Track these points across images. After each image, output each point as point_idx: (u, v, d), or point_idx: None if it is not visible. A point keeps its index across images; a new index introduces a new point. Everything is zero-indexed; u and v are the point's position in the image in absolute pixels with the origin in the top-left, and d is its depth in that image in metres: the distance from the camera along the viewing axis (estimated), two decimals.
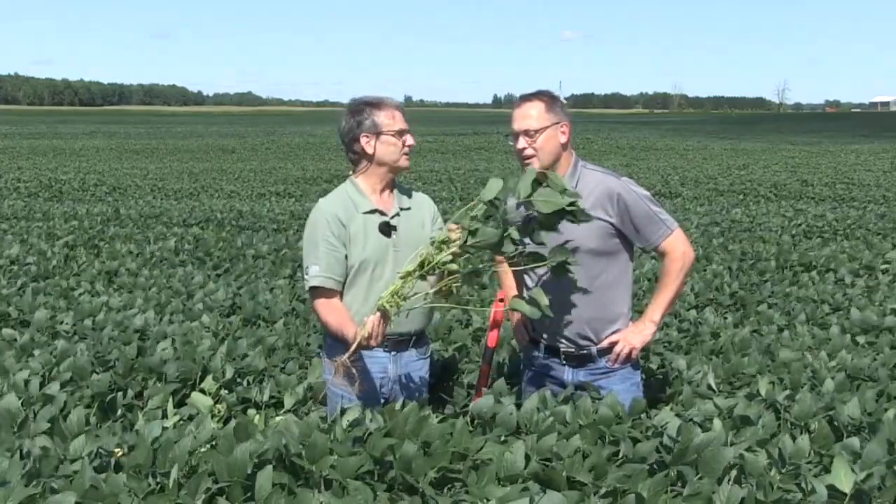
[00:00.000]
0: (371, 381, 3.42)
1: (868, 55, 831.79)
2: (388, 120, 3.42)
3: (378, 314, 3.07)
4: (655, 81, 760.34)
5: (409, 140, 3.46)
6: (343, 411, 2.92)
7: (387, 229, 3.43)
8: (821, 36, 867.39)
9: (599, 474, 2.46)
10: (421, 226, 3.52)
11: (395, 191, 3.54)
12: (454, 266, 3.05)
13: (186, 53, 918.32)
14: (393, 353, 3.45)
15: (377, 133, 3.41)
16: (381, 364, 3.44)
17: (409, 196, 3.59)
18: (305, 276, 3.41)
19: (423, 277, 3.09)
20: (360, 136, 3.41)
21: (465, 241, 3.03)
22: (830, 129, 55.06)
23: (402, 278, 3.07)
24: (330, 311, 3.36)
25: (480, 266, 3.31)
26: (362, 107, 3.43)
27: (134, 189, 17.72)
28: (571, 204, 3.01)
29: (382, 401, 3.35)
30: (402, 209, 3.50)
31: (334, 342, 3.41)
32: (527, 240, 3.18)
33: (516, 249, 3.08)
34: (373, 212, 3.43)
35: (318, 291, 3.37)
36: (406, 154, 3.47)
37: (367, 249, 3.38)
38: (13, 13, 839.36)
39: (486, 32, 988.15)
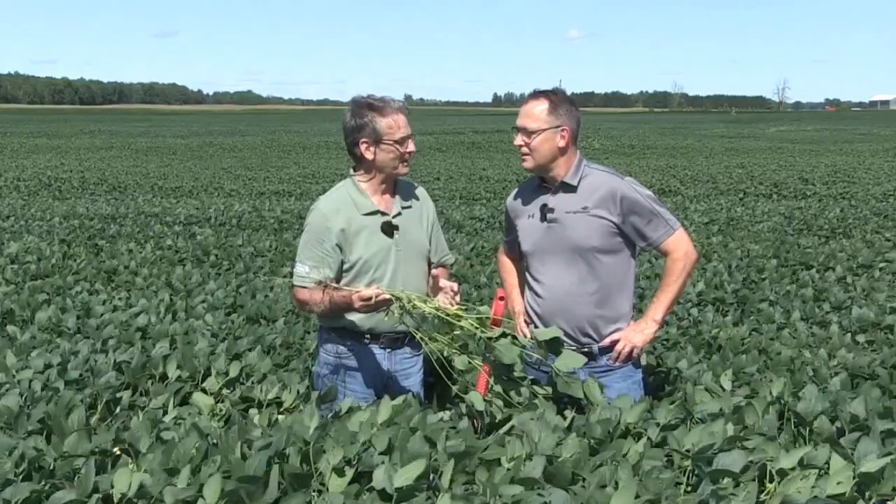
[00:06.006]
0: (366, 375, 3.48)
1: (868, 54, 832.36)
2: (389, 128, 3.36)
3: (388, 296, 3.11)
4: (655, 80, 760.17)
5: (410, 146, 3.42)
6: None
7: (389, 229, 3.43)
8: (821, 35, 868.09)
9: (599, 473, 2.46)
10: (420, 224, 3.53)
11: (397, 189, 3.53)
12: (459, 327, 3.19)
13: (186, 52, 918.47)
14: (388, 350, 3.50)
15: (377, 140, 3.36)
16: (377, 360, 3.49)
17: (411, 193, 3.58)
18: (294, 271, 3.45)
19: (438, 318, 3.18)
20: (359, 141, 3.38)
21: (488, 338, 3.16)
22: (830, 128, 55.01)
23: (433, 306, 3.15)
24: (314, 291, 3.36)
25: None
26: (364, 111, 3.37)
27: (134, 188, 17.72)
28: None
29: (376, 395, 3.40)
30: (403, 208, 3.49)
31: (328, 335, 3.50)
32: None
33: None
34: (374, 213, 3.43)
35: (303, 289, 3.40)
36: (405, 161, 3.43)
37: (368, 250, 3.38)
38: (13, 13, 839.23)
39: (487, 31, 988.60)
